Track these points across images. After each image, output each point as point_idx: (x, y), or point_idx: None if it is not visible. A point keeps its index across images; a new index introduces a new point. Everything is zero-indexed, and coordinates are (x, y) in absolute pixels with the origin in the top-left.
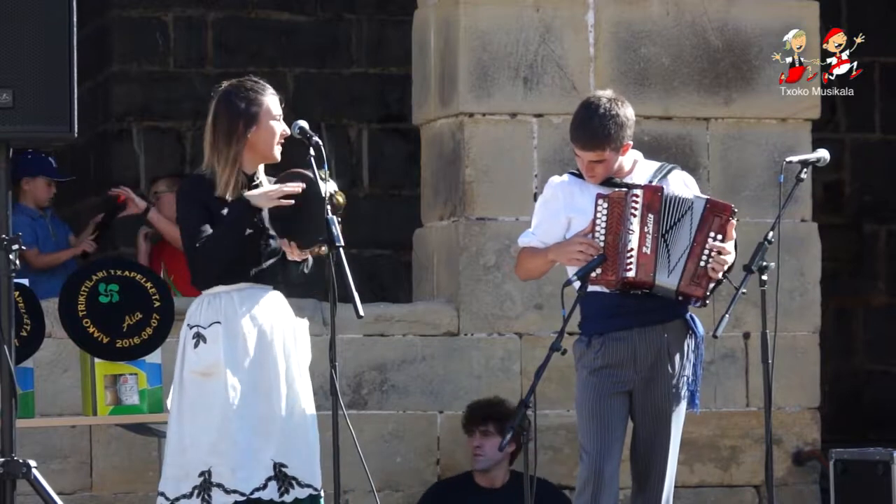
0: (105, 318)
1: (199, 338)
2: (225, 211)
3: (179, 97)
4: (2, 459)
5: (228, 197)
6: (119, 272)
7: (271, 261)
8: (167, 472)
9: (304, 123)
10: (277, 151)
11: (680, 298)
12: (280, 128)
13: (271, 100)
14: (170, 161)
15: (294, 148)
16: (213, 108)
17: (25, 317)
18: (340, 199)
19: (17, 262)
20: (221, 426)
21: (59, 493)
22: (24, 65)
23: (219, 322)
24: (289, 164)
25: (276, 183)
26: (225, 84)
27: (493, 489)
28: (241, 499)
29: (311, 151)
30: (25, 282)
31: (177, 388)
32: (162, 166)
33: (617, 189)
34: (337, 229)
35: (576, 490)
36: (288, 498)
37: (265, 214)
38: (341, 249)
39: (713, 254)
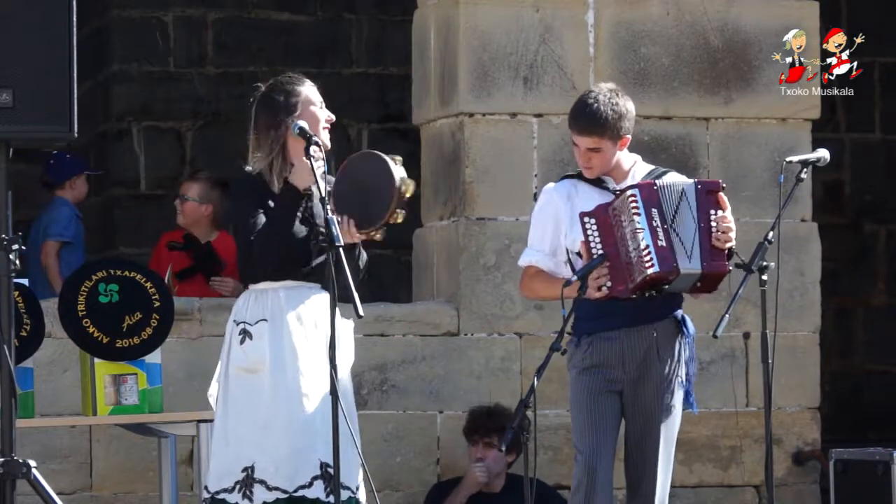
0: (105, 318)
1: (245, 334)
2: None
3: (179, 97)
4: (2, 459)
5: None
6: (119, 272)
7: (321, 258)
8: (211, 466)
9: (304, 123)
10: (325, 137)
11: (699, 285)
12: (323, 114)
13: (309, 89)
14: (170, 161)
15: None
16: (253, 111)
17: (25, 317)
18: (410, 187)
19: (17, 262)
20: (267, 423)
21: (59, 493)
22: (24, 65)
23: (265, 320)
24: None
25: (339, 168)
26: (262, 87)
27: (491, 494)
28: (284, 496)
29: (312, 151)
30: (25, 282)
31: (222, 383)
32: (162, 166)
33: (598, 203)
34: (337, 229)
35: (571, 490)
36: (332, 499)
37: (318, 210)
38: (341, 249)
39: (719, 224)
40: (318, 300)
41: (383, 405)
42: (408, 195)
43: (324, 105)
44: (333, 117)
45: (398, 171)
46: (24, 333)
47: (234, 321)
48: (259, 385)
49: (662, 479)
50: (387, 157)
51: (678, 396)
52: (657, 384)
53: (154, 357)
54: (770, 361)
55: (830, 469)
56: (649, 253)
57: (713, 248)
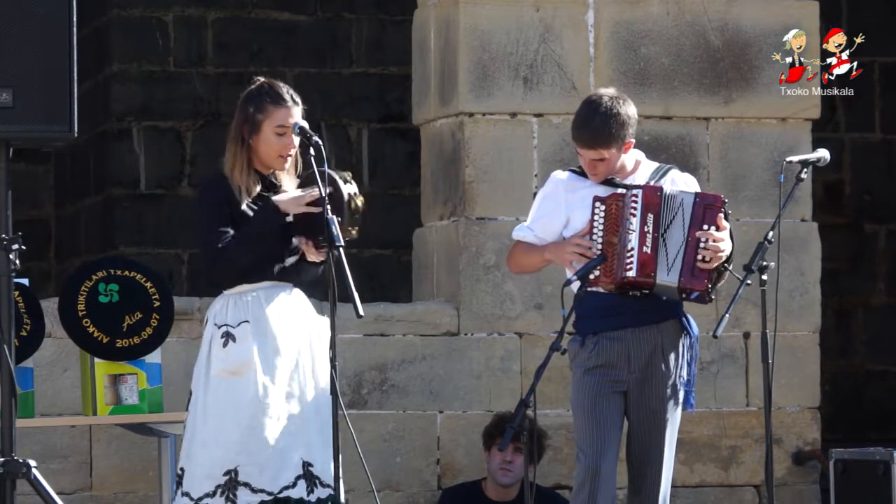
0: (105, 318)
1: (228, 336)
2: (247, 209)
3: (179, 97)
4: (2, 459)
5: (243, 198)
6: (119, 272)
7: (293, 258)
8: (192, 471)
9: (304, 123)
10: (281, 163)
11: (683, 296)
12: (283, 142)
13: (284, 111)
14: (170, 161)
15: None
16: (237, 106)
17: (25, 317)
18: (360, 202)
19: (17, 261)
20: (251, 425)
21: (59, 493)
22: (24, 65)
23: (247, 321)
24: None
25: (300, 185)
26: (256, 82)
27: (503, 503)
28: (268, 498)
29: (312, 151)
30: (25, 282)
31: (201, 386)
32: (162, 166)
33: (614, 191)
34: (337, 229)
35: (573, 490)
36: (313, 497)
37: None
38: (341, 249)
39: (706, 242)
40: (292, 299)
41: (383, 405)
42: (357, 214)
43: (293, 132)
44: (293, 150)
45: (347, 187)
46: (24, 333)
47: (215, 324)
48: (242, 387)
49: (665, 478)
50: (336, 175)
51: (681, 396)
52: (662, 385)
53: (154, 357)
54: (770, 361)
55: (830, 469)
56: (632, 256)
57: (696, 265)
